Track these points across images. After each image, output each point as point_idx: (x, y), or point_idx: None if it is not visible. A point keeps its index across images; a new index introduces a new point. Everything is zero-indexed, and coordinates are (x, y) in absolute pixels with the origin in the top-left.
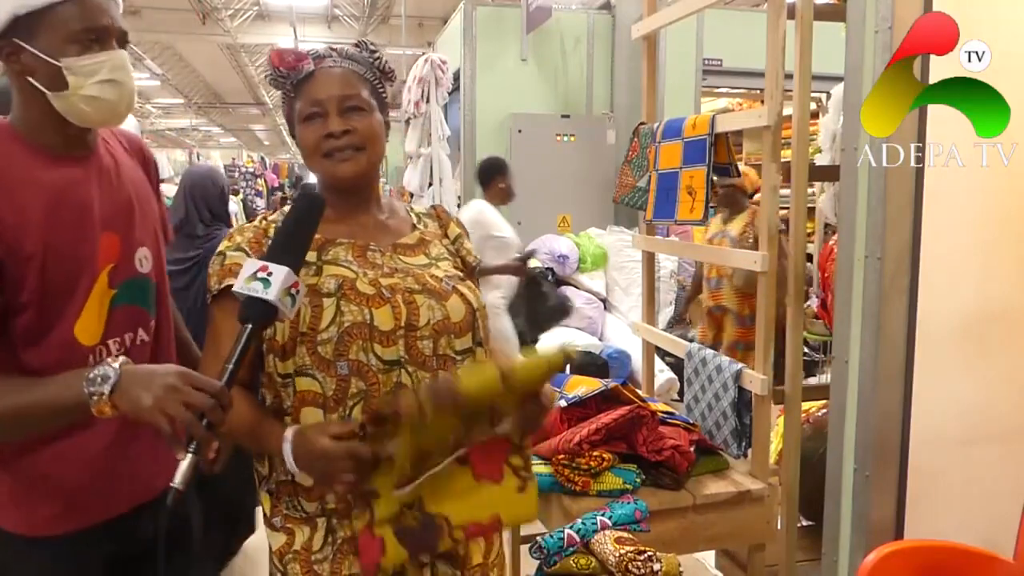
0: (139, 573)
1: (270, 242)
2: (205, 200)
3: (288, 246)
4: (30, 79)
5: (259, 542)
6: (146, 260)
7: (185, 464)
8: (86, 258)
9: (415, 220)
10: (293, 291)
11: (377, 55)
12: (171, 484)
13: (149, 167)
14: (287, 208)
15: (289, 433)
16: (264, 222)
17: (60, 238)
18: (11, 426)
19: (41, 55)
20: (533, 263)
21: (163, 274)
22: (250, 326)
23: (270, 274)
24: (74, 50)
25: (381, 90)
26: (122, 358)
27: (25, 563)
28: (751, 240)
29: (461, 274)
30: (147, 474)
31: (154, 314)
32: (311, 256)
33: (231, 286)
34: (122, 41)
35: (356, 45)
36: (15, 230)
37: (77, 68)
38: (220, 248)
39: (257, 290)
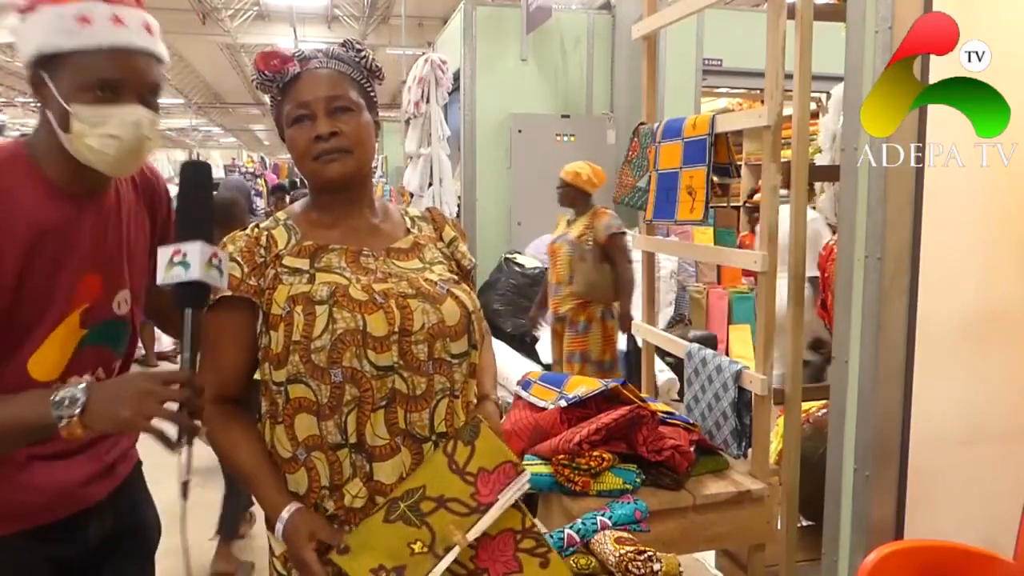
0: (86, 574)
1: (176, 225)
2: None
3: (191, 221)
4: (48, 111)
5: (252, 541)
6: (125, 303)
7: (185, 454)
8: (59, 296)
9: (409, 224)
10: (214, 261)
11: (364, 54)
12: (183, 479)
13: (157, 204)
14: (279, 214)
15: (285, 515)
16: (256, 230)
17: (34, 272)
18: None
19: (56, 95)
20: None
21: (139, 313)
22: (191, 311)
23: (185, 255)
24: (86, 98)
25: (369, 89)
26: (87, 377)
27: None
28: (589, 243)
29: (456, 277)
30: (85, 482)
31: (122, 354)
32: (304, 264)
33: (226, 297)
34: (147, 97)
35: (342, 45)
36: None
37: (84, 116)
38: None
39: (180, 275)
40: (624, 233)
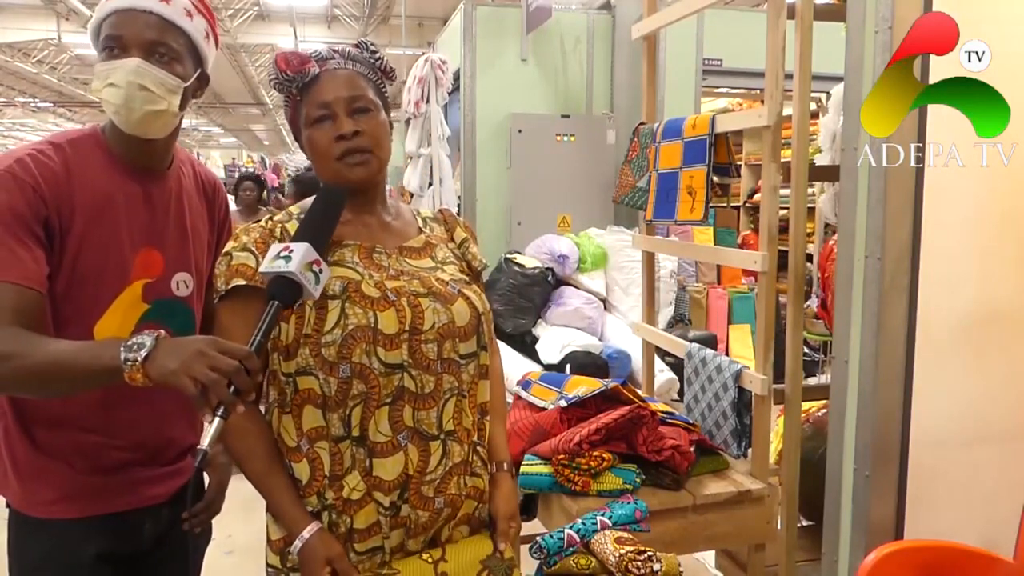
0: (135, 573)
1: (296, 230)
2: None
3: (308, 229)
4: None
5: (252, 540)
6: (184, 285)
7: (213, 427)
8: (116, 262)
9: (421, 224)
10: (316, 268)
11: (378, 55)
12: (199, 447)
13: (217, 205)
14: (292, 208)
15: (306, 534)
16: (270, 222)
17: (95, 234)
18: (49, 378)
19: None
20: None
21: (200, 301)
22: (276, 303)
23: (291, 251)
24: (100, 57)
25: (384, 90)
26: (161, 331)
27: (26, 541)
28: None
29: (467, 278)
30: (150, 483)
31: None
32: None
33: (238, 286)
34: (153, 54)
35: (356, 46)
36: (66, 215)
37: (97, 71)
38: (227, 248)
39: (279, 267)
40: None
